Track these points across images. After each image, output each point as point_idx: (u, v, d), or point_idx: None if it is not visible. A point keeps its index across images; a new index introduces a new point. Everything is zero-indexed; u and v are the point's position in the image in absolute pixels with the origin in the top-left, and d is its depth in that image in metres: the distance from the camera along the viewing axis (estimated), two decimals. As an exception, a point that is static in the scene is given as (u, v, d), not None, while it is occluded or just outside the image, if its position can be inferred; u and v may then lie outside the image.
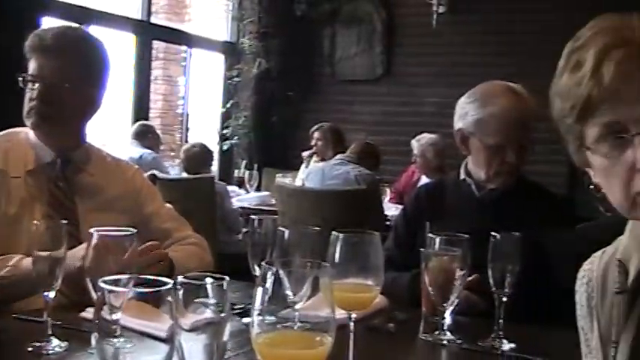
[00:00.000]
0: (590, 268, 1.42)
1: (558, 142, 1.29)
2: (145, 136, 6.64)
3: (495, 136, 2.42)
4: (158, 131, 7.11)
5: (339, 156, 5.43)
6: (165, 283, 1.04)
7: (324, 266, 1.18)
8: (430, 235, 1.87)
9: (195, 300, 1.12)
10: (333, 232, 1.48)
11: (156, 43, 7.97)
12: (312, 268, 1.20)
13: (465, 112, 2.49)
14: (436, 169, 5.85)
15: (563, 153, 1.32)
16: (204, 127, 8.85)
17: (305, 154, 6.67)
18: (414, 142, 6.12)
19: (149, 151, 6.49)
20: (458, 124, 2.53)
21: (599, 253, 1.44)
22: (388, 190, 5.81)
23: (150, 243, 2.05)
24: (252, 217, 1.89)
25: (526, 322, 2.00)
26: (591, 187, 1.28)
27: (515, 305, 1.90)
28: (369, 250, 1.47)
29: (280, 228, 1.79)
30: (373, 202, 4.88)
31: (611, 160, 1.19)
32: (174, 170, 6.59)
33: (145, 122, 6.97)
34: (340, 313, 1.43)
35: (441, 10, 7.67)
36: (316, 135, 6.35)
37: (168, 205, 2.49)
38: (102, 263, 1.55)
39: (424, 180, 5.78)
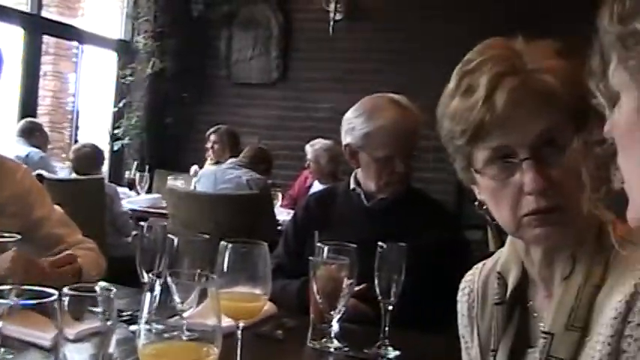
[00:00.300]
0: (472, 279, 1.49)
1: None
2: (32, 133, 6.42)
3: (384, 149, 2.47)
4: (46, 129, 6.88)
5: (231, 160, 5.41)
6: (51, 294, 1.03)
7: (211, 277, 1.19)
8: (318, 244, 1.90)
9: (82, 310, 1.11)
10: (222, 242, 1.49)
11: (46, 38, 7.73)
12: (200, 278, 1.21)
13: (352, 126, 2.53)
14: (329, 174, 5.92)
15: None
16: (95, 126, 8.65)
17: (192, 170, 6.58)
18: (308, 147, 6.17)
19: (36, 149, 6.28)
20: (346, 139, 2.57)
21: (480, 264, 1.51)
22: (280, 195, 5.83)
23: (65, 254, 2.01)
24: (142, 223, 1.88)
25: (411, 329, 2.06)
26: (476, 203, 1.35)
27: (401, 313, 1.96)
28: (257, 259, 1.49)
29: (170, 235, 1.79)
30: (265, 207, 4.89)
31: (499, 182, 1.25)
32: (64, 171, 6.40)
33: (32, 119, 6.73)
34: (228, 322, 1.44)
35: (338, 17, 7.77)
36: (213, 137, 6.30)
37: (58, 208, 2.42)
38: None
39: (317, 185, 5.84)
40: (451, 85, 1.30)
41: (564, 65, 1.23)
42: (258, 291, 1.51)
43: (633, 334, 1.11)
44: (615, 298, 1.15)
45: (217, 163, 6.01)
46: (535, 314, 1.34)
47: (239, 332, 1.51)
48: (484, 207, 1.32)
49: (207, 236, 1.79)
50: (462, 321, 1.50)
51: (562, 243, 1.25)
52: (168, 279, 1.16)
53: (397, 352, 1.92)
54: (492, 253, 1.48)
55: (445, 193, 4.89)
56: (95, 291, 1.14)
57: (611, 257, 1.20)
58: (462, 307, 1.49)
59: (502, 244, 1.45)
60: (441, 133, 1.33)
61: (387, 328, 1.93)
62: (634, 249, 1.15)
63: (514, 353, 1.34)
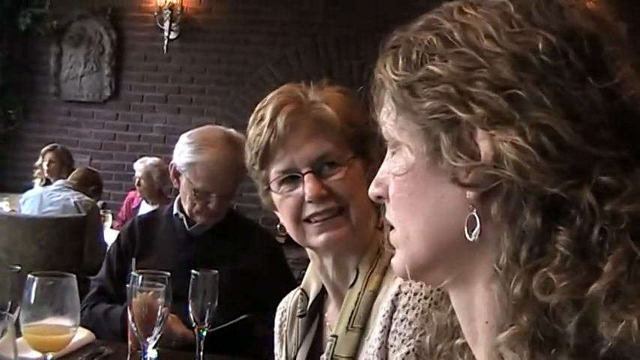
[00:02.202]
0: (287, 299, 1.65)
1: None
2: None
3: (202, 182, 2.51)
4: None
5: (59, 182, 5.27)
6: None
7: (9, 315, 1.20)
8: (133, 273, 1.92)
9: None
10: (29, 275, 1.50)
11: None
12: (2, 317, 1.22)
13: (182, 150, 2.57)
14: (159, 192, 5.86)
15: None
16: None
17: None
18: (137, 164, 6.01)
19: None
20: (174, 157, 2.60)
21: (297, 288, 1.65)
22: (111, 217, 5.73)
23: None
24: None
25: (226, 354, 2.12)
26: (278, 226, 1.52)
27: (215, 338, 2.01)
28: (64, 292, 1.50)
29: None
30: (93, 230, 4.80)
31: (286, 195, 1.42)
32: None
33: None
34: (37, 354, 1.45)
35: (173, 35, 7.72)
36: (49, 156, 6.03)
37: None
38: None
39: (144, 206, 5.77)
40: (251, 119, 1.47)
41: (342, 98, 1.44)
42: (66, 323, 1.51)
43: (397, 329, 1.28)
44: (387, 299, 1.32)
45: (47, 183, 5.80)
46: (328, 323, 1.50)
47: (47, 364, 1.52)
48: (286, 231, 1.47)
49: (19, 268, 1.76)
50: (275, 339, 1.64)
51: (346, 250, 1.41)
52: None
53: (213, 377, 1.96)
54: None
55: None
56: None
57: (389, 265, 1.33)
58: (276, 327, 1.65)
59: None
60: (247, 164, 1.49)
61: (202, 354, 1.98)
62: None
63: (310, 359, 1.49)
